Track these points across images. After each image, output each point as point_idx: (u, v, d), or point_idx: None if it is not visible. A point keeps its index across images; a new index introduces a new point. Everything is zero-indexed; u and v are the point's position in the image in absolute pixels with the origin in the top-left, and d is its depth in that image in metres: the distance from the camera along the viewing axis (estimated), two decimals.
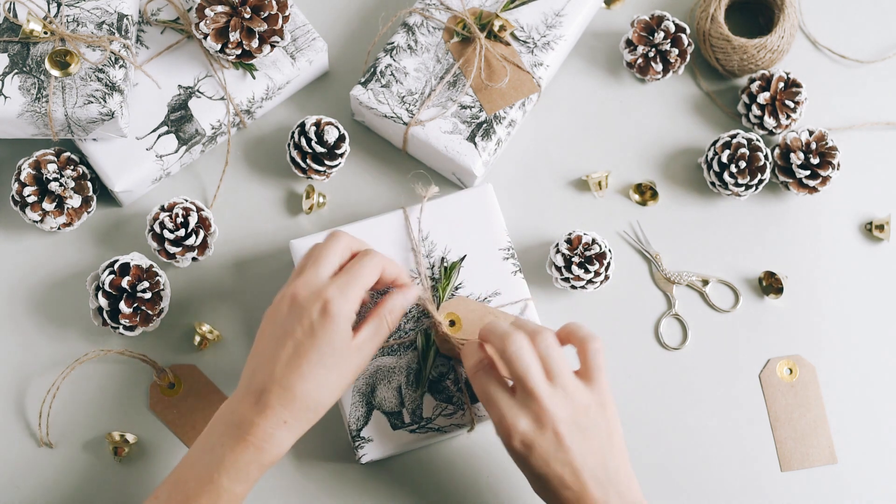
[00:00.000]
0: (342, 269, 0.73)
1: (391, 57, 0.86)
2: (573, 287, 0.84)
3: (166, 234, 0.81)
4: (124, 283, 0.79)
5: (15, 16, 0.80)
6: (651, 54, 0.90)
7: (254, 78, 0.85)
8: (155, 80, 0.85)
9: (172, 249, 0.81)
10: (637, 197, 0.90)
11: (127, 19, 0.81)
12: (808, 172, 0.86)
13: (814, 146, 0.87)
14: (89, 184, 0.83)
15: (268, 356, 0.70)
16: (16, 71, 0.79)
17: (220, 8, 0.82)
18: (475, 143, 0.84)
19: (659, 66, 0.90)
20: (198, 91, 0.85)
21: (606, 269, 0.84)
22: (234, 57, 0.84)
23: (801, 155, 0.86)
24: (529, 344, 0.71)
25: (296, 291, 0.71)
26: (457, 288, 0.82)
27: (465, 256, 0.82)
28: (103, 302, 0.79)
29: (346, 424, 0.80)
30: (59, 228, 0.83)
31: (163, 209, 0.82)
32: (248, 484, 0.69)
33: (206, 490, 0.68)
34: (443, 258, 0.82)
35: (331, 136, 0.84)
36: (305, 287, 0.71)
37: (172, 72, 0.85)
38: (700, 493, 0.83)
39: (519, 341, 0.71)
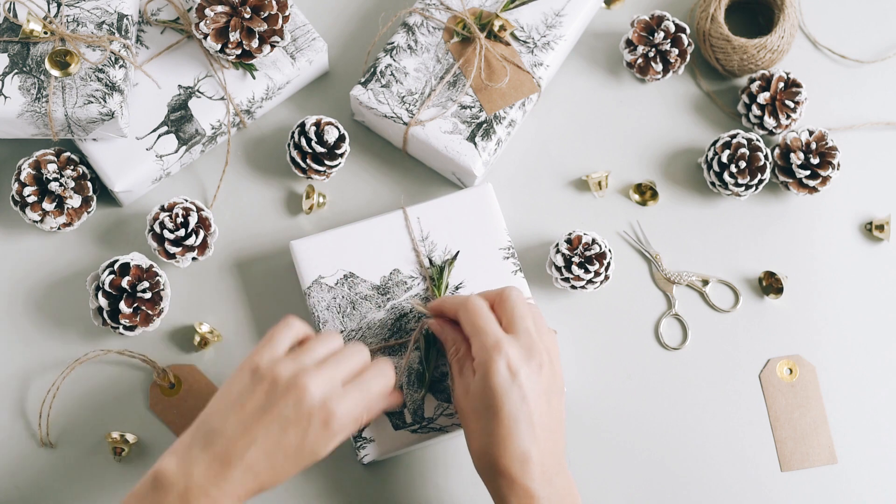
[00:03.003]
0: (356, 377, 0.70)
1: (391, 57, 0.86)
2: (573, 287, 0.84)
3: (166, 234, 0.81)
4: (124, 283, 0.79)
5: (15, 16, 0.80)
6: (651, 54, 0.90)
7: (254, 78, 0.85)
8: (155, 80, 0.85)
9: (172, 249, 0.81)
10: (637, 197, 0.90)
11: (127, 19, 0.81)
12: (808, 172, 0.86)
13: (814, 146, 0.87)
14: (89, 184, 0.83)
15: (244, 427, 0.66)
16: (16, 71, 0.79)
17: (220, 8, 0.82)
18: (475, 143, 0.84)
19: (659, 66, 0.90)
20: (198, 91, 0.85)
21: (606, 269, 0.84)
22: (234, 57, 0.83)
23: (801, 155, 0.86)
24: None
25: (308, 384, 0.66)
26: (457, 288, 0.82)
27: (458, 253, 0.82)
28: (103, 302, 0.79)
29: None
30: (59, 228, 0.83)
31: (163, 209, 0.82)
32: None
33: None
34: (431, 259, 0.82)
35: (331, 136, 0.84)
36: (319, 385, 0.66)
37: (172, 72, 0.85)
38: (700, 493, 0.83)
39: (514, 290, 0.74)
